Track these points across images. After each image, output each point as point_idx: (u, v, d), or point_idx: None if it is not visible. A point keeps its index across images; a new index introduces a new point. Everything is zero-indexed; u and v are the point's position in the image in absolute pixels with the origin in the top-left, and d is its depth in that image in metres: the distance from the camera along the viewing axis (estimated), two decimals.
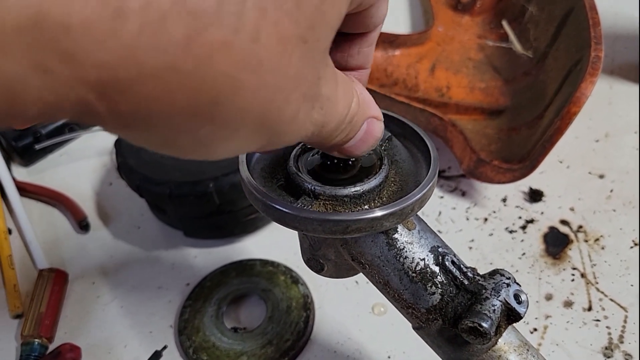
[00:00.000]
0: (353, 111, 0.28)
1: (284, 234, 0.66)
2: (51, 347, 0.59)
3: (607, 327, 0.54)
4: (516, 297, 0.38)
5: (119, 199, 0.73)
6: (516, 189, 0.66)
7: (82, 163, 0.79)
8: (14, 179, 0.75)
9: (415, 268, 0.38)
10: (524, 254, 0.61)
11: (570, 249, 0.60)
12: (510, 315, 0.38)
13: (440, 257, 0.38)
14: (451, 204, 0.66)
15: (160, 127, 0.19)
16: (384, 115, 0.43)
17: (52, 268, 0.64)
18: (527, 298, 0.38)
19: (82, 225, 0.69)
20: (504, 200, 0.66)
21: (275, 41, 0.19)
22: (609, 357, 0.52)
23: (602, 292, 0.57)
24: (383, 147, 0.41)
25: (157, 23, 0.16)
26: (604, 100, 0.76)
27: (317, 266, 0.43)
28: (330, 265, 0.42)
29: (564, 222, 0.63)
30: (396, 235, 0.38)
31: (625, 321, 0.54)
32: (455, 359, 0.39)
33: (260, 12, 0.18)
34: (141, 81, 0.16)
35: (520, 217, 0.64)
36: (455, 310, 0.38)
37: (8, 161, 0.78)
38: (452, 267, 0.38)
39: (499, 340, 0.38)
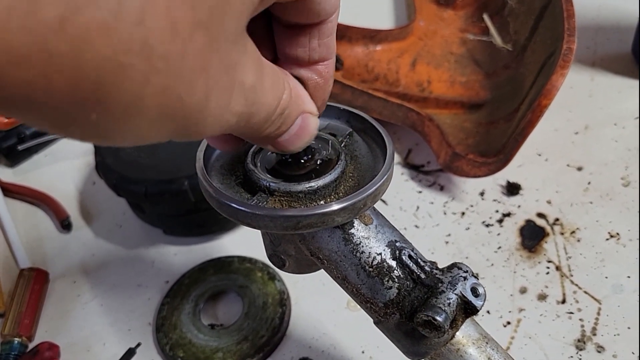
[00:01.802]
0: (284, 103, 0.28)
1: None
2: (31, 345, 0.59)
3: (580, 319, 0.54)
4: (473, 290, 0.38)
5: (101, 198, 0.74)
6: (494, 183, 0.66)
7: (66, 163, 0.79)
8: None
9: (372, 263, 0.38)
10: (500, 247, 0.61)
11: (546, 242, 0.60)
12: (467, 309, 0.38)
13: (397, 252, 0.38)
14: (429, 198, 0.66)
15: (45, 111, 0.18)
16: (346, 110, 0.44)
17: (33, 267, 0.64)
18: (484, 291, 0.38)
19: (65, 224, 0.70)
20: (482, 194, 0.66)
21: (167, 26, 0.18)
22: (581, 350, 0.52)
23: (577, 285, 0.57)
24: (343, 143, 0.41)
25: (26, 3, 0.15)
26: (585, 92, 0.76)
27: (278, 262, 0.43)
28: (291, 261, 0.43)
29: (540, 215, 0.63)
30: (352, 230, 0.38)
31: (598, 313, 0.54)
32: (415, 352, 0.39)
33: None
34: (14, 64, 0.16)
35: (497, 211, 0.64)
36: (412, 304, 0.38)
37: None
38: (409, 262, 0.38)
39: (457, 333, 0.39)
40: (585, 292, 0.56)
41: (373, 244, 0.38)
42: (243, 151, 0.42)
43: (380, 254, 0.38)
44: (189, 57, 0.20)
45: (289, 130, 0.29)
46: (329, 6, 0.29)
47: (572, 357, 0.52)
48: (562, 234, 0.61)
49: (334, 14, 0.30)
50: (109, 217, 0.71)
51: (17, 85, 0.16)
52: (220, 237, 0.66)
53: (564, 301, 0.56)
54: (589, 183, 0.65)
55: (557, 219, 0.62)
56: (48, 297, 0.64)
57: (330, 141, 0.41)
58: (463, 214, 0.64)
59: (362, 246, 0.38)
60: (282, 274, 0.61)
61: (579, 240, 0.60)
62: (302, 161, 0.39)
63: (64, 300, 0.63)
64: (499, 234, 0.62)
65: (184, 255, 0.65)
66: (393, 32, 0.81)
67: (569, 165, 0.67)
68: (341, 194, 0.38)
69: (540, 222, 0.62)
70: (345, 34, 0.79)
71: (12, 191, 0.75)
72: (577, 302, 0.55)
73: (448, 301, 0.36)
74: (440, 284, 0.37)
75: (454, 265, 0.39)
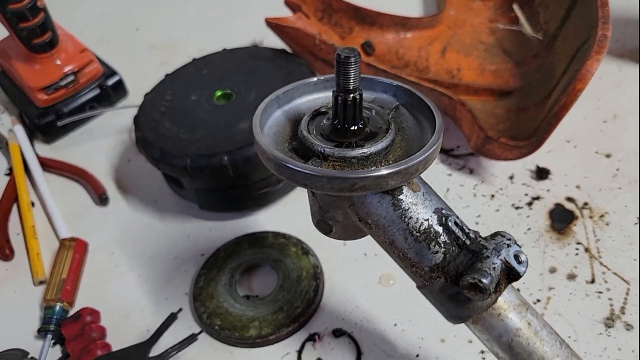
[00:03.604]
0: None
1: (295, 207, 0.69)
2: (71, 312, 0.61)
3: (609, 298, 0.55)
4: (516, 257, 0.39)
5: (137, 175, 0.75)
6: (523, 167, 0.68)
7: (102, 141, 0.81)
8: (36, 155, 0.78)
9: (419, 228, 0.40)
10: (529, 229, 0.62)
11: (575, 225, 0.62)
12: (510, 274, 0.39)
13: (443, 218, 0.40)
14: (459, 181, 0.68)
15: None
16: (392, 84, 0.45)
17: (74, 237, 0.66)
18: (526, 258, 0.39)
19: (102, 198, 0.72)
20: (511, 177, 0.67)
21: None
22: (610, 327, 0.53)
23: (605, 266, 0.58)
24: (390, 115, 0.43)
25: None
26: (613, 82, 0.77)
27: (325, 228, 0.44)
28: (338, 227, 0.44)
29: (569, 199, 0.64)
30: (401, 197, 0.40)
31: (627, 293, 0.56)
32: (457, 316, 0.41)
33: None
34: None
35: (526, 194, 0.65)
36: (457, 268, 0.39)
37: (31, 139, 0.81)
38: (454, 228, 0.40)
39: (499, 298, 0.40)
40: (614, 273, 0.57)
41: (421, 210, 0.40)
42: (294, 119, 0.44)
43: (428, 219, 0.40)
44: None
45: None
46: None
47: (601, 334, 0.53)
48: (590, 217, 0.62)
49: None
50: (145, 193, 0.73)
51: None
52: (254, 214, 0.68)
53: (593, 281, 0.57)
54: (618, 169, 0.66)
55: (585, 203, 0.63)
56: (87, 267, 0.66)
57: (379, 112, 0.43)
58: (493, 196, 0.66)
59: (410, 212, 0.40)
60: (316, 249, 0.63)
61: (607, 224, 0.61)
62: (354, 129, 0.41)
63: (102, 271, 0.65)
64: (528, 217, 0.63)
65: (218, 230, 0.67)
66: (423, 20, 0.82)
67: (598, 152, 0.68)
68: (391, 162, 0.40)
69: (569, 205, 0.63)
70: (377, 20, 0.81)
71: (50, 166, 0.77)
72: (605, 282, 0.57)
73: (493, 265, 0.38)
74: (484, 250, 0.39)
75: (497, 234, 0.41)
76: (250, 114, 0.64)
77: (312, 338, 0.57)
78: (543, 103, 0.68)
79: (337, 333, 0.57)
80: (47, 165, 0.77)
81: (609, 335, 0.53)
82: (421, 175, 0.40)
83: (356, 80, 0.39)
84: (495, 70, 0.77)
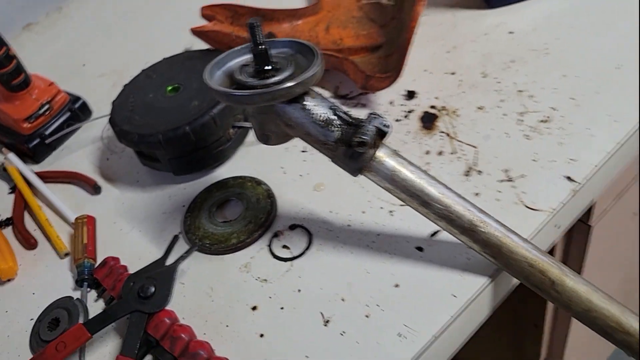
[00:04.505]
0: None
1: (243, 159, 0.92)
2: (96, 265, 0.82)
3: (466, 160, 0.82)
4: (382, 123, 0.64)
5: (117, 167, 0.97)
6: (397, 94, 0.94)
7: (80, 151, 1.02)
8: (32, 172, 0.98)
9: (321, 119, 0.64)
10: (408, 132, 0.88)
11: (438, 122, 0.88)
12: (380, 134, 0.64)
13: (335, 110, 0.65)
14: (356, 114, 0.93)
15: None
16: (287, 40, 0.70)
17: (83, 215, 0.87)
18: (390, 123, 0.65)
19: (95, 187, 0.93)
20: (391, 102, 0.94)
21: None
22: (468, 175, 0.80)
23: (461, 141, 0.85)
24: (289, 60, 0.67)
25: None
26: (450, 26, 1.05)
27: (266, 139, 0.69)
28: (273, 136, 0.68)
29: (432, 107, 0.91)
30: (305, 102, 0.64)
31: (476, 154, 0.82)
32: (357, 168, 0.65)
33: None
34: None
35: (403, 111, 0.92)
36: (349, 137, 0.64)
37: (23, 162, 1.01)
38: (342, 115, 0.65)
39: (377, 152, 0.65)
40: (467, 144, 0.84)
41: (320, 108, 0.64)
42: (229, 74, 0.68)
43: (326, 113, 0.64)
44: None
45: None
46: None
47: (463, 181, 0.79)
48: (447, 115, 0.89)
49: None
50: (127, 178, 0.95)
51: None
52: (215, 170, 0.91)
53: (454, 152, 0.83)
54: (461, 81, 0.94)
55: (443, 107, 0.90)
56: (97, 235, 0.87)
57: (282, 58, 0.67)
58: None
59: (314, 110, 0.64)
60: (266, 179, 0.86)
61: (459, 116, 0.88)
62: (268, 69, 0.65)
63: (110, 235, 0.87)
64: (407, 124, 0.89)
65: (191, 187, 0.90)
66: (308, 9, 1.08)
67: (446, 73, 0.96)
68: None
69: (433, 111, 0.90)
70: (274, 16, 1.06)
71: (47, 177, 0.97)
72: (462, 151, 0.83)
73: (369, 128, 0.63)
74: (363, 123, 0.64)
75: (370, 114, 0.66)
76: (196, 96, 0.88)
77: (276, 235, 0.80)
78: (400, 48, 0.95)
79: (293, 227, 0.80)
80: (44, 177, 0.97)
81: (469, 181, 0.79)
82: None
83: (262, 36, 0.63)
84: (366, 34, 1.04)
